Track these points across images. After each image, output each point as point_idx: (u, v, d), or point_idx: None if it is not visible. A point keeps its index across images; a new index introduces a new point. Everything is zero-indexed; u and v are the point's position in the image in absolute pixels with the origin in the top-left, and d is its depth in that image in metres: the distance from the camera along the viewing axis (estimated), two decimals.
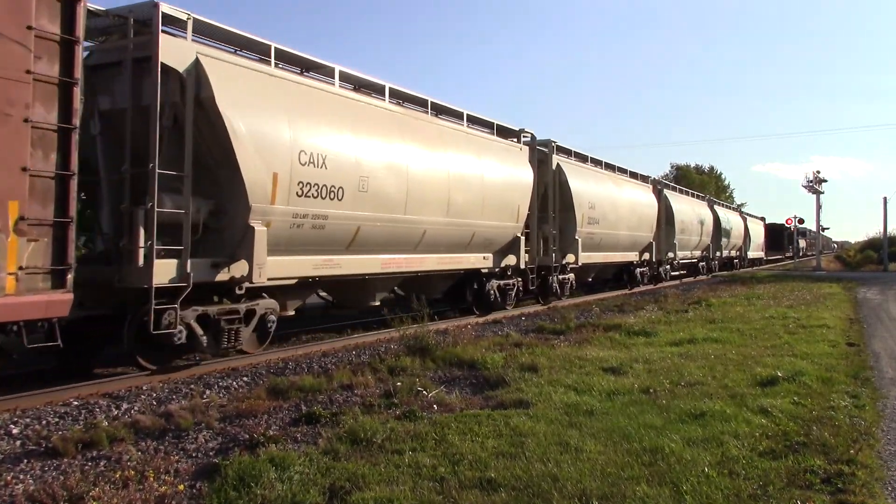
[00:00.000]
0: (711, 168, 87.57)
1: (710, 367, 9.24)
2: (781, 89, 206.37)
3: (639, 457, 5.47)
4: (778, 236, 66.56)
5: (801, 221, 65.36)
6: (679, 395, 7.55)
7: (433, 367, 9.29)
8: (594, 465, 5.25)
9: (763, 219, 60.28)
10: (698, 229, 33.14)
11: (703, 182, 77.30)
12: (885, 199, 50.92)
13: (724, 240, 37.49)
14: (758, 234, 52.53)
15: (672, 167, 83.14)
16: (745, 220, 45.26)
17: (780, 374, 8.60)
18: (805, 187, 51.37)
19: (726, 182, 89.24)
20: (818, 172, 50.72)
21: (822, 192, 51.35)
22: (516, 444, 5.80)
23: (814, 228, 64.03)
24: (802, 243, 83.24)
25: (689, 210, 32.09)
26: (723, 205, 43.67)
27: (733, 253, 42.61)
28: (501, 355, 9.84)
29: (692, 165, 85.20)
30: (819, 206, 51.27)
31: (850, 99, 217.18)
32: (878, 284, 30.36)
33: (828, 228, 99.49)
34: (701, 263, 36.37)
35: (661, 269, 28.72)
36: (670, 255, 28.95)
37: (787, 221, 64.45)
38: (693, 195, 36.83)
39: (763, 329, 13.36)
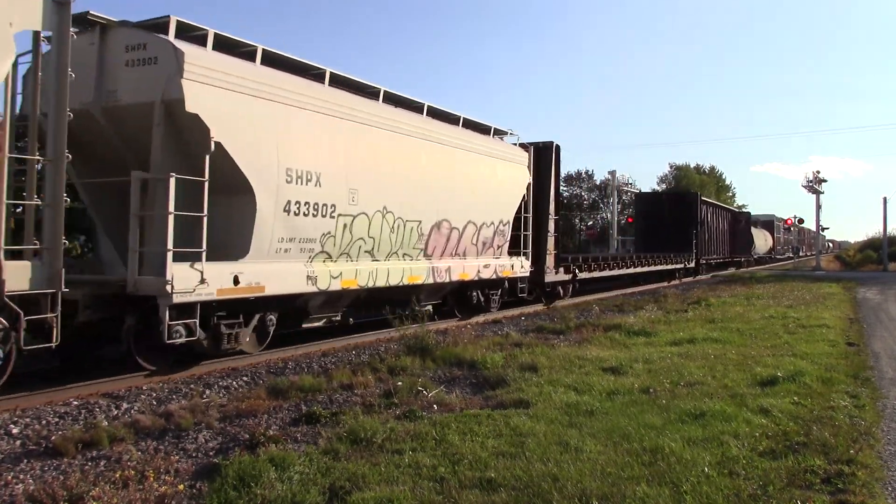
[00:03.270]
0: (712, 168, 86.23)
1: (709, 366, 9.24)
2: (781, 89, 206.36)
3: (639, 457, 5.47)
4: (666, 219, 33.93)
5: (801, 221, 65.29)
6: (679, 395, 7.55)
7: (433, 366, 9.29)
8: (594, 465, 5.25)
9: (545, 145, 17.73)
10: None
11: (703, 182, 76.59)
12: (884, 199, 50.96)
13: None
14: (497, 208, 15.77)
15: (671, 167, 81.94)
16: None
17: (779, 373, 8.60)
18: (805, 187, 51.42)
19: (727, 182, 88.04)
20: (818, 172, 50.80)
21: (822, 192, 51.41)
22: (516, 443, 5.80)
23: (814, 228, 62.34)
24: (764, 241, 58.76)
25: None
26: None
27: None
28: (501, 355, 9.85)
29: (692, 165, 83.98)
30: (819, 206, 51.32)
31: (850, 99, 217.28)
32: (877, 284, 30.37)
33: (827, 228, 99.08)
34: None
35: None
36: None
37: (787, 222, 64.18)
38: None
39: (763, 329, 13.37)
